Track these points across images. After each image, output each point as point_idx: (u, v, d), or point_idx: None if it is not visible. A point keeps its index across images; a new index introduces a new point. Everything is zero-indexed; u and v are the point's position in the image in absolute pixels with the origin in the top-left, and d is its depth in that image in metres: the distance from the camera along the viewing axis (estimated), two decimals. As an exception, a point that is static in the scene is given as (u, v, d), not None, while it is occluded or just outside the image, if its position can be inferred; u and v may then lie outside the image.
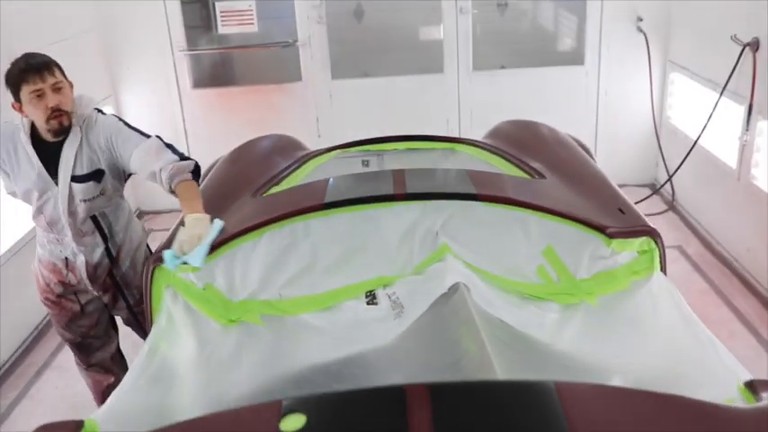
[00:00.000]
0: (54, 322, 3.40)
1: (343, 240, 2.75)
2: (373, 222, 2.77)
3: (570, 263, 2.69)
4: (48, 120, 2.86)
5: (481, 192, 2.79)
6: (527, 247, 2.72)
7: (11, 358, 4.31)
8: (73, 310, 3.28)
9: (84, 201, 3.03)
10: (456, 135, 5.94)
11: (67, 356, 4.35)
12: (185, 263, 2.62)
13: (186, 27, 5.95)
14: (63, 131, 2.92)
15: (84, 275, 3.16)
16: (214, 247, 2.65)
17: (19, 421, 3.87)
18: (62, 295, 3.25)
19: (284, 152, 3.78)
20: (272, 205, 2.92)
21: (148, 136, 3.03)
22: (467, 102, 6.04)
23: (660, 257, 2.67)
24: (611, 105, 6.03)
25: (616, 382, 2.14)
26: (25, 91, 2.82)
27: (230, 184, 3.30)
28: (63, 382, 4.16)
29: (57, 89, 2.85)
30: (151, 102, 5.98)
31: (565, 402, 1.52)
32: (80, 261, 3.14)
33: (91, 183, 3.01)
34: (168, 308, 2.60)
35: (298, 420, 1.51)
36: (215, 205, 3.00)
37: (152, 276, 2.66)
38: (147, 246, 3.42)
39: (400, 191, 2.83)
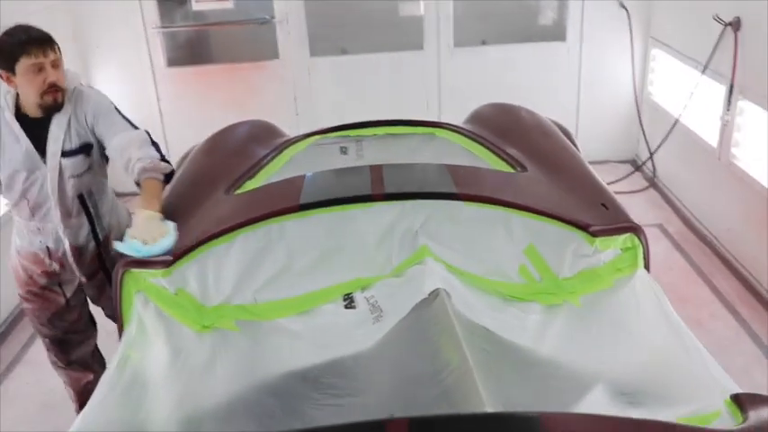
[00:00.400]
0: (33, 318, 3.26)
1: (319, 242, 2.67)
2: (350, 223, 2.68)
3: (553, 262, 2.63)
4: (42, 95, 2.79)
5: (462, 190, 2.71)
6: (509, 247, 2.66)
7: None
8: (57, 302, 3.19)
9: (73, 176, 2.95)
10: (436, 113, 5.86)
11: (39, 350, 4.25)
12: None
13: (159, 2, 5.77)
14: (55, 108, 2.85)
15: (72, 260, 3.07)
16: (185, 251, 2.56)
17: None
18: (46, 287, 3.15)
19: (260, 139, 3.66)
20: (247, 205, 2.82)
21: (137, 128, 3.00)
22: (447, 79, 5.93)
23: (644, 254, 2.61)
24: (593, 81, 5.95)
25: (600, 392, 2.09)
26: (24, 63, 2.73)
27: (204, 177, 3.19)
28: (35, 377, 4.06)
29: (55, 66, 2.79)
30: (124, 81, 5.80)
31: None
32: (64, 246, 3.05)
33: (80, 156, 2.95)
34: (139, 314, 2.50)
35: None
36: (188, 201, 2.94)
37: (122, 281, 2.55)
38: None
39: (378, 190, 2.74)
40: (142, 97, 5.84)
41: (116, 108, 3.01)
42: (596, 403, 2.03)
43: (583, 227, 2.61)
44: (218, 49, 6.21)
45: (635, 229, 2.61)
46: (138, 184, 2.88)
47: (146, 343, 2.42)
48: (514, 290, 2.58)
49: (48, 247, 3.06)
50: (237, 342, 2.46)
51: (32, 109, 2.85)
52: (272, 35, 5.83)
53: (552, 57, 5.92)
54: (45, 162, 2.89)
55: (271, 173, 3.25)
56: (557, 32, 5.94)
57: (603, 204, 2.79)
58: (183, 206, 2.89)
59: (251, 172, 3.22)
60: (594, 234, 2.59)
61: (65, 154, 2.91)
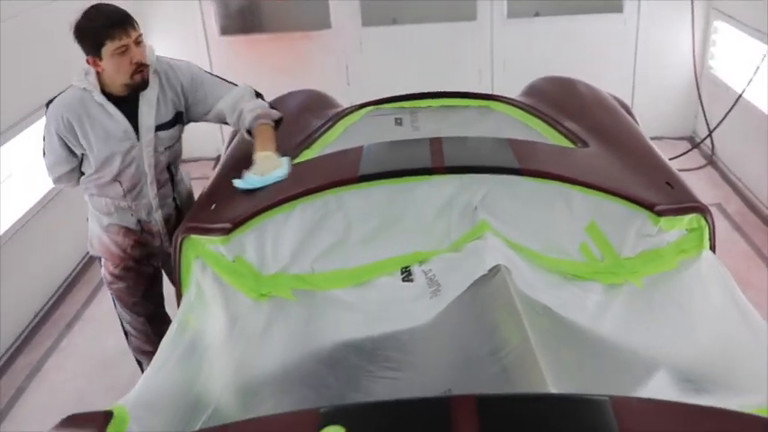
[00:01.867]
0: (126, 298, 3.21)
1: (377, 214, 2.63)
2: (409, 195, 2.64)
3: (615, 240, 2.54)
4: (132, 75, 2.78)
5: (523, 165, 2.64)
6: (570, 224, 2.58)
7: (42, 310, 4.31)
8: (149, 274, 3.21)
9: (167, 148, 3.00)
10: (489, 85, 5.77)
11: (98, 308, 4.37)
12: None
13: (213, -29, 5.77)
14: (144, 86, 2.83)
15: (164, 230, 3.09)
16: (244, 220, 2.55)
17: (51, 373, 3.89)
18: (140, 259, 3.14)
19: (314, 109, 3.65)
20: (305, 175, 2.79)
21: (236, 84, 3.08)
22: (500, 51, 5.82)
23: (710, 235, 2.51)
24: (650, 55, 5.78)
25: (664, 377, 2.04)
26: (109, 47, 2.70)
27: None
28: (93, 334, 4.17)
29: (138, 43, 2.77)
30: (177, 50, 5.68)
31: (620, 419, 1.42)
32: (157, 217, 3.08)
33: (174, 127, 2.99)
34: (198, 280, 2.51)
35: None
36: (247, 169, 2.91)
37: (181, 247, 2.56)
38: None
39: (438, 163, 2.68)
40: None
41: (207, 71, 3.09)
42: (660, 388, 1.98)
43: (647, 206, 2.52)
44: (271, 19, 6.17)
45: (701, 210, 2.51)
46: (249, 132, 2.97)
47: (204, 309, 2.44)
48: (575, 268, 2.51)
49: (139, 220, 3.07)
50: (294, 311, 2.45)
51: (118, 88, 2.81)
52: (324, 5, 5.79)
53: (608, 29, 5.76)
54: (139, 139, 2.89)
55: (326, 143, 3.23)
56: (613, 4, 5.76)
57: (668, 183, 2.70)
58: (240, 175, 2.86)
59: (307, 142, 3.20)
60: (659, 213, 2.50)
61: (159, 128, 2.92)
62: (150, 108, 2.88)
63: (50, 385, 3.79)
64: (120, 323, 3.36)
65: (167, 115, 2.93)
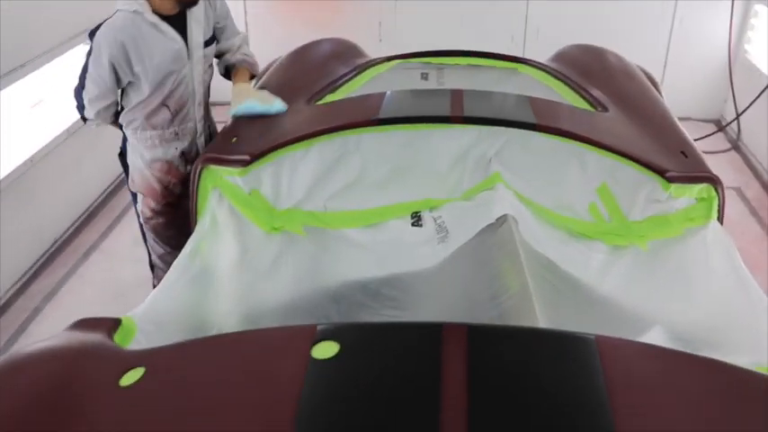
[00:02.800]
0: (162, 232, 3.25)
1: (393, 158, 2.68)
2: (426, 142, 2.68)
3: (624, 203, 2.58)
4: None
5: (541, 121, 2.66)
6: (581, 183, 2.62)
7: (62, 237, 4.39)
8: (187, 207, 3.12)
9: (210, 66, 3.11)
10: (520, 52, 5.70)
11: (116, 240, 4.46)
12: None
13: None
14: (195, 2, 2.88)
15: None
16: (263, 153, 2.61)
17: (66, 299, 3.97)
18: (180, 195, 3.14)
19: (343, 58, 3.67)
20: (326, 115, 2.84)
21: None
22: (535, 18, 5.76)
23: (719, 207, 2.54)
24: (685, 33, 5.68)
25: (657, 333, 2.09)
26: None
27: (286, 87, 3.19)
28: (109, 264, 4.24)
29: None
30: None
31: (603, 357, 1.47)
32: (200, 143, 3.15)
33: (213, 44, 3.09)
34: (213, 210, 2.57)
35: (330, 348, 1.48)
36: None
37: (200, 176, 2.62)
38: None
39: (457, 113, 2.71)
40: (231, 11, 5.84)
41: None
42: (652, 342, 2.01)
43: (659, 171, 2.54)
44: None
45: (713, 180, 2.54)
46: (227, 69, 3.19)
47: (217, 237, 2.49)
48: (582, 227, 2.56)
49: (183, 152, 3.10)
50: (303, 246, 2.51)
51: (168, 6, 2.83)
52: (363, -42, 5.75)
53: (645, 4, 5.64)
54: (190, 57, 2.93)
55: (352, 89, 3.26)
56: (654, -20, 5.69)
57: (683, 152, 2.71)
58: (259, 116, 2.91)
59: (332, 86, 3.23)
60: (671, 180, 2.53)
61: (205, 44, 3.00)
62: (198, 25, 2.93)
63: (65, 308, 3.86)
64: (147, 254, 3.42)
65: (209, 32, 3.02)
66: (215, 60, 3.20)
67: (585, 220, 2.58)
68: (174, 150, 3.07)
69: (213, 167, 2.61)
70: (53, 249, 4.30)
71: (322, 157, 2.65)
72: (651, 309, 2.23)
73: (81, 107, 2.93)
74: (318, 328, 1.56)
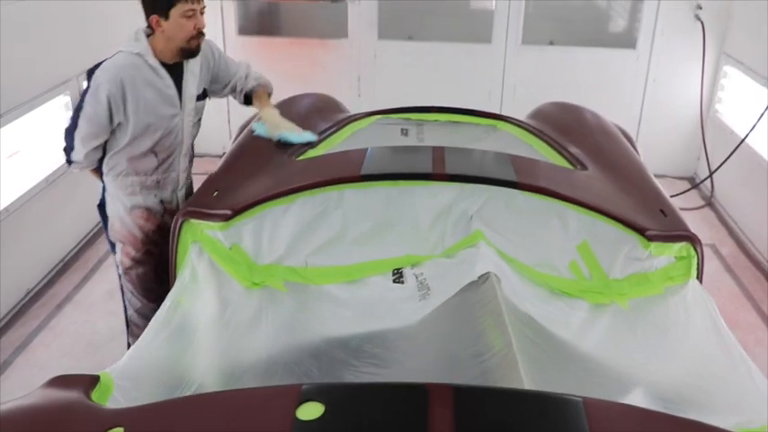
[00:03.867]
0: (140, 284, 3.23)
1: (375, 214, 2.69)
2: (408, 199, 2.70)
3: (604, 261, 2.61)
4: (189, 40, 2.90)
5: (522, 179, 2.70)
6: (562, 241, 2.65)
7: (35, 288, 4.33)
8: (166, 257, 3.14)
9: (198, 119, 3.18)
10: (497, 108, 5.82)
11: (90, 292, 4.40)
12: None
13: (235, -28, 5.84)
14: (196, 52, 2.98)
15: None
16: (244, 207, 2.62)
17: (38, 351, 3.90)
18: (159, 243, 3.15)
19: (323, 112, 3.72)
20: (309, 170, 2.86)
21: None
22: (512, 75, 5.89)
23: (698, 265, 2.58)
24: (659, 93, 5.84)
25: (640, 393, 2.08)
26: (179, 9, 2.83)
27: (268, 142, 3.21)
28: (83, 317, 4.18)
29: (203, 13, 2.92)
30: None
31: (591, 419, 1.46)
32: (180, 195, 3.18)
33: (204, 99, 3.18)
34: (193, 264, 2.56)
35: (315, 409, 1.47)
36: (251, 163, 3.01)
37: (180, 229, 2.62)
38: None
39: (439, 170, 2.75)
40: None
41: None
42: (635, 404, 2.00)
43: (639, 230, 2.59)
44: (289, 23, 6.25)
45: (692, 239, 2.58)
46: (246, 97, 3.32)
47: (196, 292, 2.48)
48: (563, 284, 2.57)
49: (162, 200, 3.13)
50: (284, 302, 2.49)
51: (169, 54, 2.92)
52: (342, 14, 5.84)
53: (620, 64, 5.83)
54: (182, 107, 3.00)
55: (332, 145, 3.29)
56: (626, 40, 5.85)
57: (662, 211, 2.77)
58: (245, 168, 2.94)
59: (313, 142, 3.24)
60: (650, 239, 2.57)
61: (198, 98, 3.08)
62: (194, 77, 3.02)
63: (36, 362, 3.80)
64: (124, 309, 3.39)
65: (201, 86, 3.09)
66: (230, 95, 3.36)
67: (566, 277, 2.60)
68: (153, 198, 3.10)
69: (194, 221, 2.61)
70: (26, 300, 4.24)
71: (304, 212, 2.66)
72: (633, 367, 2.23)
73: (70, 148, 2.95)
74: (303, 387, 1.55)
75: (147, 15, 2.85)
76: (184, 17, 2.82)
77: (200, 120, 3.18)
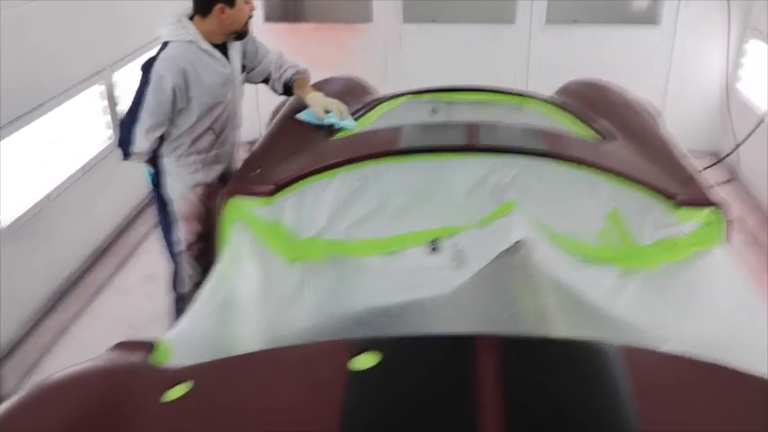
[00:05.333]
0: (201, 259, 3.35)
1: (412, 188, 2.77)
2: (444, 172, 2.78)
3: (634, 228, 2.67)
4: (245, 24, 3.12)
5: (553, 150, 2.77)
6: (592, 209, 2.71)
7: (73, 275, 4.45)
8: None
9: (243, 92, 3.37)
10: (523, 88, 5.85)
11: (127, 276, 4.54)
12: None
13: (263, -41, 5.93)
14: (246, 34, 3.21)
15: None
16: (286, 183, 2.72)
17: (80, 335, 4.03)
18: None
19: (354, 94, 3.80)
20: (347, 147, 2.94)
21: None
22: (536, 55, 5.95)
23: (726, 230, 2.63)
24: (683, 69, 5.88)
25: (669, 349, 2.15)
26: None
27: (300, 125, 3.32)
28: (122, 301, 4.31)
29: None
30: None
31: (630, 366, 1.56)
32: (236, 165, 3.34)
33: (244, 72, 3.36)
34: (236, 240, 2.65)
35: (371, 358, 1.57)
36: (291, 142, 3.11)
37: (224, 207, 2.72)
38: None
39: (473, 143, 2.84)
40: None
41: None
42: None
43: (669, 196, 2.64)
44: (314, 9, 6.29)
45: (719, 204, 2.63)
46: (286, 86, 3.45)
47: (241, 267, 2.55)
48: (593, 252, 2.64)
49: (222, 176, 3.31)
50: (326, 275, 2.58)
51: (219, 38, 3.10)
52: (367, -1, 5.94)
53: (644, 41, 5.87)
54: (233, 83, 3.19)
55: (364, 125, 3.37)
56: (650, 16, 5.86)
57: (689, 178, 2.82)
58: (284, 147, 3.04)
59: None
60: (679, 204, 2.62)
61: (242, 71, 3.27)
62: (237, 53, 3.20)
63: (78, 346, 3.91)
64: (173, 290, 3.53)
65: (241, 60, 3.27)
66: (262, 84, 3.53)
67: (597, 245, 2.67)
68: (214, 173, 3.28)
69: (238, 198, 2.71)
70: (66, 286, 4.36)
71: (343, 187, 2.75)
72: (664, 328, 2.30)
73: (129, 142, 3.05)
74: (355, 341, 1.66)
75: (209, 5, 2.99)
76: (244, 2, 3.00)
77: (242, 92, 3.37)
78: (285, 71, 3.45)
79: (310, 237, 2.71)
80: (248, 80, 3.43)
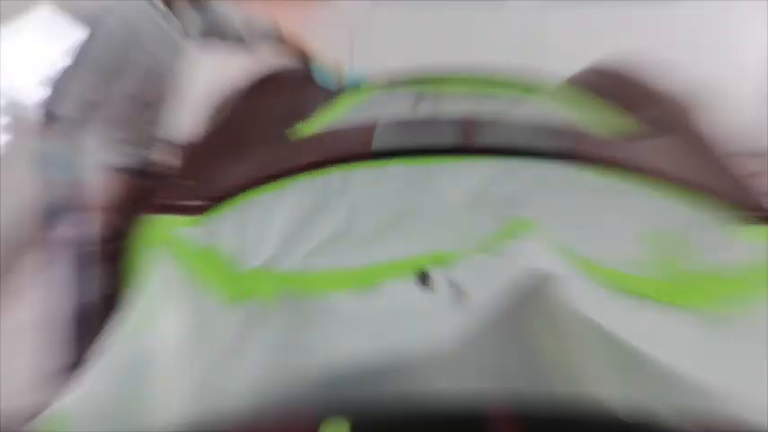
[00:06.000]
0: None
1: (391, 200, 2.56)
2: (432, 180, 2.57)
3: (681, 250, 2.46)
4: None
5: (577, 151, 2.60)
6: (628, 227, 2.51)
7: None
8: None
9: None
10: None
11: None
12: None
13: None
14: None
15: None
16: (223, 197, 2.55)
17: None
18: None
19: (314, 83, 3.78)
20: (303, 149, 2.78)
21: None
22: (553, 30, 5.93)
23: None
24: (718, 50, 5.84)
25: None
26: None
27: (252, 120, 3.23)
28: None
29: None
30: None
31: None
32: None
33: None
34: (155, 272, 2.44)
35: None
36: (232, 144, 2.99)
37: (138, 227, 2.53)
38: None
39: (470, 142, 2.65)
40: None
41: None
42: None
43: (727, 210, 2.48)
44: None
45: None
46: None
47: (160, 308, 2.36)
48: (631, 282, 2.41)
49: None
50: (276, 319, 2.36)
51: None
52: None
53: (664, 17, 5.87)
54: None
55: (329, 119, 3.20)
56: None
57: (748, 187, 2.68)
58: (229, 148, 2.90)
59: (304, 115, 3.19)
60: (741, 221, 2.47)
61: None
62: None
63: None
64: None
65: None
66: None
67: (637, 274, 2.43)
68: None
69: (157, 216, 2.53)
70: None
71: (300, 200, 2.54)
72: (719, 385, 2.10)
73: None
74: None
75: None
76: None
77: None
78: None
79: (256, 267, 2.47)
80: None
